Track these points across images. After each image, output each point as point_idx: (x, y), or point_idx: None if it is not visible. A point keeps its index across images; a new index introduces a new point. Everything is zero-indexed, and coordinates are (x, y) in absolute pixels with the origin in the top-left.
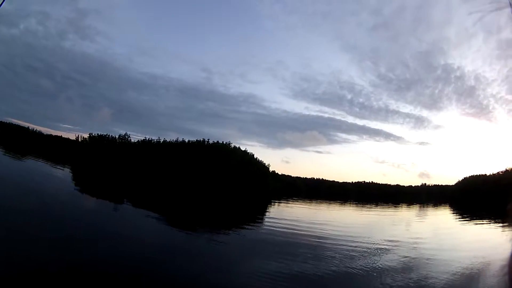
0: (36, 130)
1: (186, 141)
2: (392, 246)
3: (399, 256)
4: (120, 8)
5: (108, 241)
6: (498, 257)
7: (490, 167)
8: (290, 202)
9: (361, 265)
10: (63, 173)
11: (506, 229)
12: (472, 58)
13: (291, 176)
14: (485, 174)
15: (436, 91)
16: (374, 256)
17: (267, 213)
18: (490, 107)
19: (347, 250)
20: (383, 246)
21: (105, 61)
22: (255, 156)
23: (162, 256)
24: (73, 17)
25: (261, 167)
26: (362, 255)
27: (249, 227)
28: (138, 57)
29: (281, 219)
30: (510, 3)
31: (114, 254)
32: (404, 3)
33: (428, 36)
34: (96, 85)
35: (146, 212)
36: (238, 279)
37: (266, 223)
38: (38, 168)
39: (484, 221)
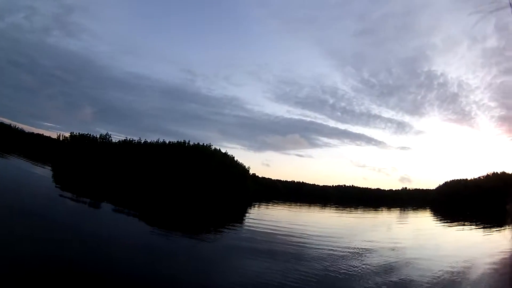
0: (18, 127)
1: (167, 142)
2: (373, 248)
3: (380, 258)
4: (107, 6)
5: (86, 241)
6: (479, 260)
7: (472, 172)
8: (270, 205)
9: (342, 267)
10: (44, 172)
11: (487, 232)
12: (456, 66)
13: (271, 179)
14: (466, 179)
15: (419, 97)
16: (355, 258)
17: (246, 215)
18: (473, 114)
19: (328, 252)
20: (364, 248)
21: (89, 59)
22: (235, 159)
23: (141, 258)
24: (59, 13)
25: (240, 170)
26: (343, 257)
27: (229, 229)
28: (122, 56)
29: (261, 221)
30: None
31: (92, 255)
32: (390, 10)
33: (413, 42)
34: (79, 83)
35: (126, 213)
36: (219, 280)
37: (246, 225)
38: (19, 166)
39: (466, 224)
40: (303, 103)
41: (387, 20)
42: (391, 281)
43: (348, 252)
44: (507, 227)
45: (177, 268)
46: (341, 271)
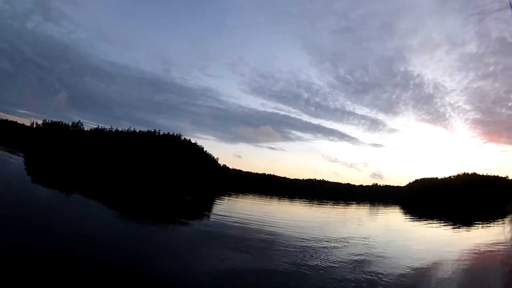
0: None
1: (138, 131)
2: (343, 242)
3: (350, 252)
4: None
5: (56, 231)
6: (446, 256)
7: (443, 172)
8: (239, 196)
9: (312, 260)
10: (16, 161)
11: (454, 229)
12: (433, 68)
13: (242, 170)
14: (437, 178)
15: (394, 96)
16: (325, 252)
17: (215, 206)
18: (447, 115)
19: (299, 245)
20: (334, 242)
21: (67, 45)
22: (205, 150)
23: (111, 248)
24: None
25: (210, 161)
26: (314, 250)
27: (197, 219)
28: (100, 43)
29: (230, 212)
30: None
31: (61, 245)
32: (372, 10)
33: (392, 43)
34: (55, 70)
35: (97, 203)
36: (189, 272)
37: (215, 216)
38: None
39: (434, 222)
40: (278, 97)
41: (369, 19)
42: (362, 275)
43: (318, 246)
44: (478, 225)
45: (146, 258)
46: (312, 266)
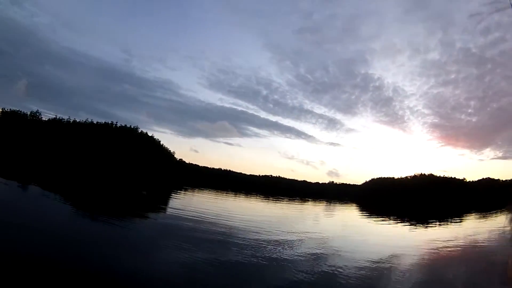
0: None
1: (95, 122)
2: (299, 237)
3: (307, 246)
4: None
5: (10, 225)
6: (402, 251)
7: (399, 172)
8: (196, 191)
9: (269, 256)
10: None
11: (410, 227)
12: (394, 72)
13: (198, 165)
14: (393, 177)
15: (353, 97)
16: (282, 246)
17: (171, 201)
18: (405, 118)
19: (256, 240)
20: (290, 237)
21: (29, 30)
22: (161, 143)
23: (66, 242)
24: None
25: (166, 154)
26: (271, 245)
27: (154, 214)
28: (63, 29)
29: (186, 207)
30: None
31: (15, 239)
32: (337, 12)
33: (354, 45)
34: (16, 56)
35: (53, 196)
36: (146, 265)
37: (171, 211)
38: None
39: (389, 219)
40: (236, 92)
41: (333, 21)
42: (319, 268)
43: (275, 240)
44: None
45: (102, 254)
46: (269, 261)
